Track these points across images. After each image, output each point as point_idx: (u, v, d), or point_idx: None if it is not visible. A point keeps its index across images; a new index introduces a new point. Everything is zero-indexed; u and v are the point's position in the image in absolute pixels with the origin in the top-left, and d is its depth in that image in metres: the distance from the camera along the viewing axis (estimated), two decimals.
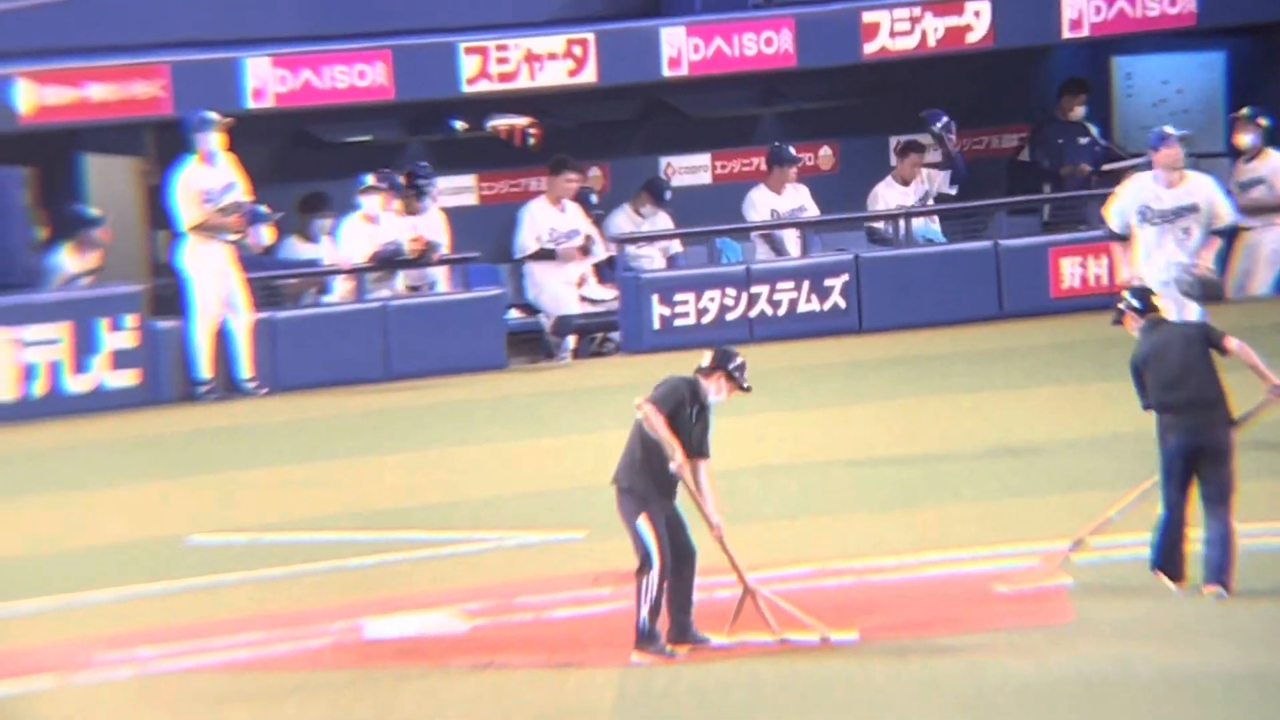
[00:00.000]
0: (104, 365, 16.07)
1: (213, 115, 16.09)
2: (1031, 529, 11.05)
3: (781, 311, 17.36)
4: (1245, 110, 18.00)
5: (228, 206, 16.11)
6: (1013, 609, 9.81)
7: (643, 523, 9.18)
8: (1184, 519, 9.94)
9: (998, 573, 10.29)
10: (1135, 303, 10.14)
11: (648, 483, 9.19)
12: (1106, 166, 18.76)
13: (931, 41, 18.07)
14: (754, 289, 17.39)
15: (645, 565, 9.17)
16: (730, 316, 17.34)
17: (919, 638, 9.45)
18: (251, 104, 16.88)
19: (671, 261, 18.03)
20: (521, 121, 17.98)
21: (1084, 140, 18.76)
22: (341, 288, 17.13)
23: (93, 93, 16.58)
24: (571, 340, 17.34)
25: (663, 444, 9.16)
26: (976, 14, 18.10)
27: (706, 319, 17.34)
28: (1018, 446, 12.99)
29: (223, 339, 16.18)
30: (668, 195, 18.27)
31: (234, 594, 10.87)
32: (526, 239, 17.43)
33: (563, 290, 17.25)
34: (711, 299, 17.34)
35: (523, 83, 17.43)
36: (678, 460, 9.17)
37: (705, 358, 9.35)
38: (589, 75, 17.54)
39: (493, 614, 9.98)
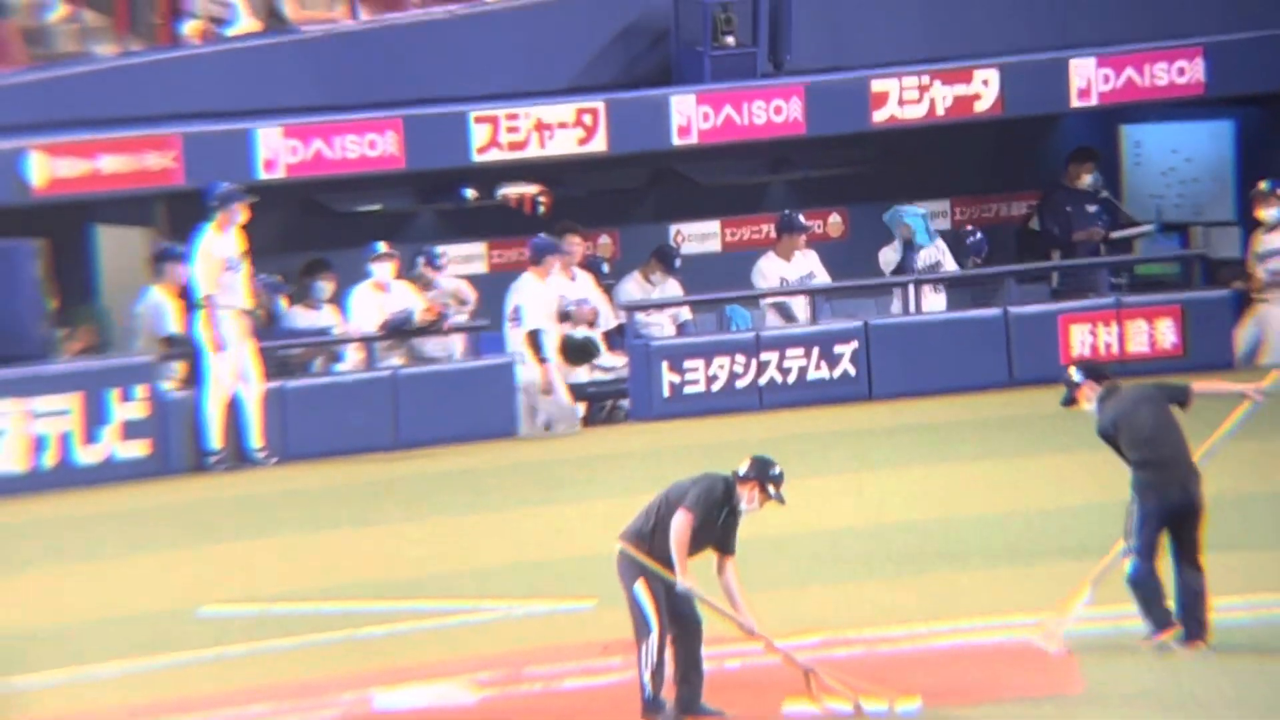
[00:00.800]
0: (114, 436, 16.10)
1: (239, 188, 16.22)
2: (1042, 597, 11.00)
3: (791, 379, 17.37)
4: (1264, 185, 18.04)
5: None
6: (1023, 679, 9.76)
7: (640, 588, 9.14)
8: (1156, 573, 9.95)
9: (1009, 643, 10.25)
10: (1085, 375, 10.07)
11: (651, 554, 9.15)
12: (1116, 234, 18.80)
13: (940, 110, 18.16)
14: (763, 356, 17.41)
15: (643, 632, 9.13)
16: (740, 384, 17.35)
17: (930, 708, 9.40)
18: (263, 174, 16.97)
19: (681, 329, 18.07)
20: (531, 190, 18.06)
21: (1092, 208, 18.80)
22: (352, 356, 17.17)
23: (105, 164, 16.68)
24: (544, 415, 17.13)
25: (674, 558, 9.09)
26: (985, 83, 18.19)
27: (716, 386, 17.35)
28: (1028, 514, 12.97)
29: (233, 409, 16.20)
30: (677, 263, 18.32)
31: (244, 665, 10.83)
32: (533, 314, 17.17)
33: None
34: (721, 366, 17.36)
35: (533, 152, 17.52)
36: (683, 583, 9.10)
37: (744, 465, 9.27)
38: (599, 144, 17.63)
39: (502, 684, 9.94)
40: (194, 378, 16.18)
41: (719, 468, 9.41)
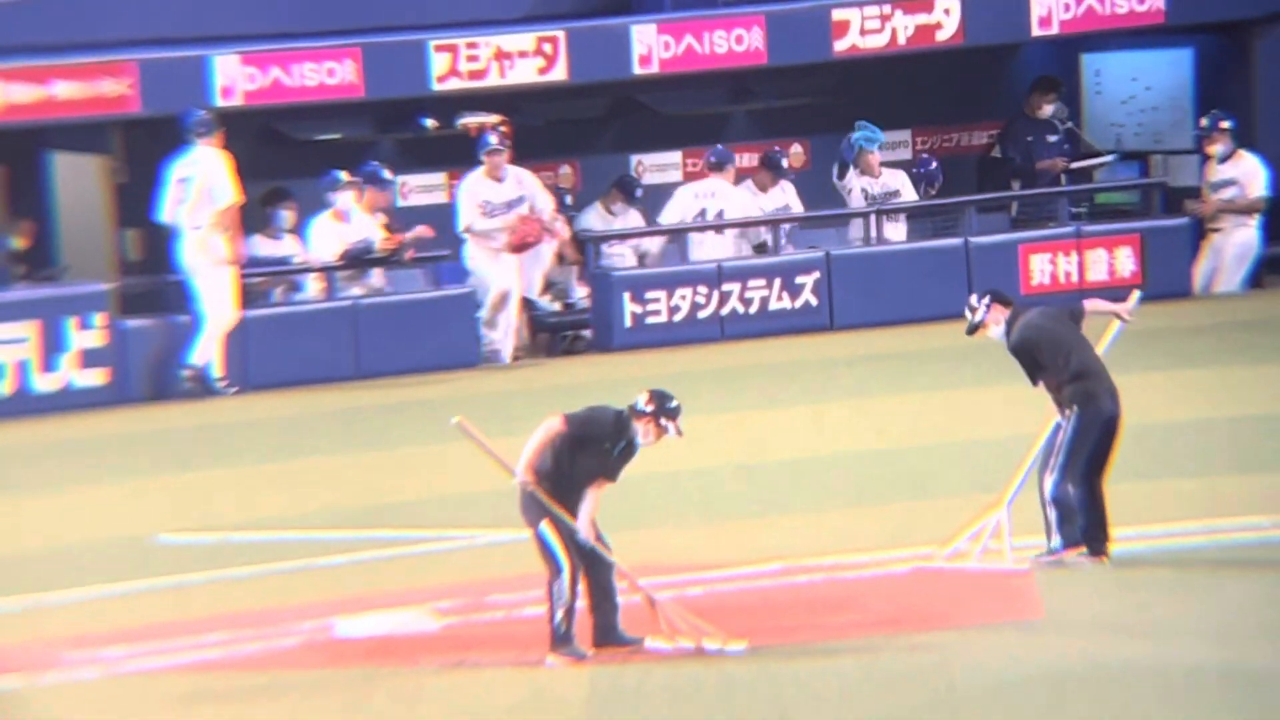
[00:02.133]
0: (72, 364, 15.99)
1: (208, 114, 16.07)
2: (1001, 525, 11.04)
3: (753, 310, 17.36)
4: (1205, 121, 18.10)
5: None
6: (984, 606, 9.82)
7: (546, 528, 9.08)
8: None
9: (969, 570, 10.31)
10: (990, 301, 10.12)
11: (553, 490, 9.09)
12: (1077, 163, 18.82)
13: (901, 39, 18.09)
14: (725, 287, 17.39)
15: (554, 570, 9.07)
16: (702, 315, 17.32)
17: (890, 634, 9.46)
18: (220, 102, 16.82)
19: (642, 259, 18.01)
20: (492, 119, 17.95)
21: (1053, 138, 18.81)
22: (312, 286, 17.07)
23: (60, 91, 16.49)
24: (498, 334, 17.02)
25: (582, 519, 9.01)
26: (946, 12, 18.13)
27: (678, 317, 17.33)
28: (987, 442, 13.02)
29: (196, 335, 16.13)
30: (639, 193, 18.25)
31: (202, 593, 10.82)
32: (466, 214, 16.97)
33: (496, 267, 16.81)
34: (683, 297, 17.33)
35: (493, 81, 17.40)
36: (520, 477, 9.05)
37: (641, 398, 9.17)
38: (559, 73, 17.52)
39: (464, 612, 9.95)
40: (170, 306, 16.06)
41: (673, 397, 9.34)
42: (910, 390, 14.85)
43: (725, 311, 17.40)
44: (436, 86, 17.37)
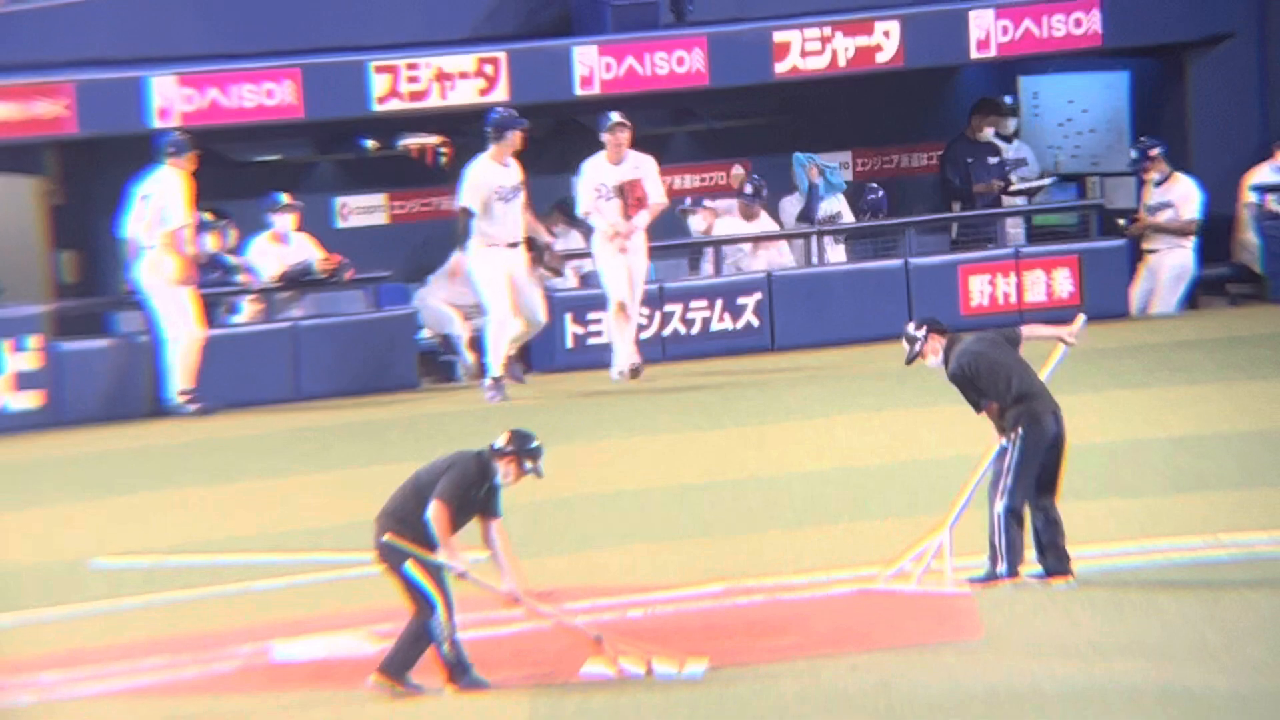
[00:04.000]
0: (6, 387, 15.85)
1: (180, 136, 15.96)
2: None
3: (695, 330, 17.38)
4: (1134, 152, 18.30)
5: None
6: (923, 626, 9.85)
7: (410, 567, 9.02)
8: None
9: (908, 591, 10.34)
10: (928, 330, 10.19)
11: (414, 535, 9.03)
12: (1016, 186, 18.94)
13: (842, 61, 18.19)
14: (667, 307, 17.41)
15: (426, 610, 9.01)
16: (643, 335, 17.34)
17: (831, 655, 9.47)
18: (157, 123, 16.73)
19: (584, 280, 18.01)
20: (433, 140, 17.91)
21: (993, 160, 18.94)
22: (249, 307, 16.99)
23: None
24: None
25: (441, 549, 8.96)
26: (886, 34, 18.24)
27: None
28: (926, 463, 13.07)
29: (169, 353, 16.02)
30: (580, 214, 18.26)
31: (139, 618, 10.73)
32: (584, 199, 16.33)
33: (616, 268, 16.13)
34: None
35: (434, 102, 17.38)
36: (456, 565, 8.99)
37: (501, 439, 9.12)
38: (500, 94, 17.52)
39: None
40: (147, 325, 15.94)
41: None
42: (852, 410, 14.90)
43: (667, 332, 17.42)
44: (377, 107, 17.33)
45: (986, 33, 18.39)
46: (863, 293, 17.68)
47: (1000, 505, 10.08)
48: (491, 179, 15.73)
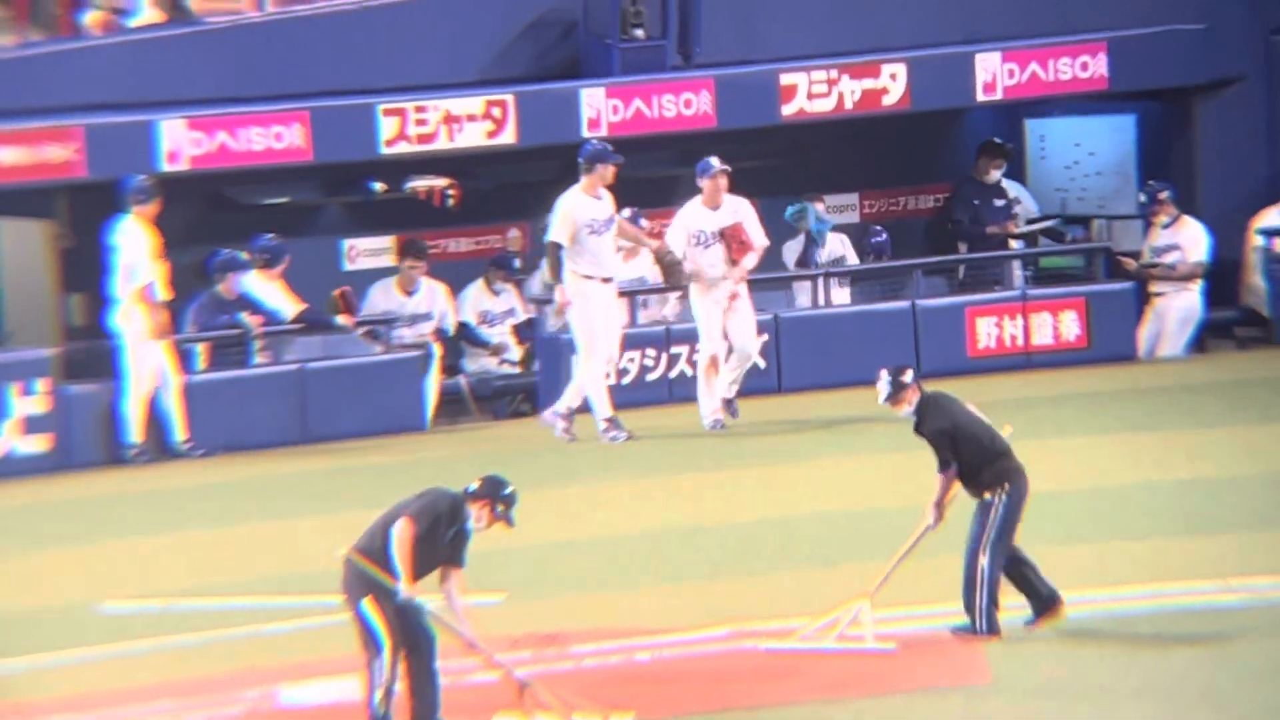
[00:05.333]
0: (14, 431, 15.87)
1: (144, 181, 16.01)
2: (949, 589, 11.06)
3: (673, 375, 17.37)
4: (1143, 196, 18.33)
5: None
6: (930, 670, 9.81)
7: (367, 605, 8.94)
8: None
9: (917, 634, 10.31)
10: (914, 377, 10.14)
11: (379, 570, 8.97)
12: (1026, 227, 18.97)
13: (849, 104, 18.24)
14: (674, 349, 17.41)
15: (373, 650, 8.91)
16: (650, 377, 17.33)
17: (837, 699, 9.42)
18: (166, 166, 16.78)
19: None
20: (441, 183, 17.96)
21: (1000, 202, 18.98)
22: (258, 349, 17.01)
23: (4, 156, 16.44)
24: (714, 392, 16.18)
25: (396, 566, 8.87)
26: (893, 77, 18.29)
27: (626, 380, 17.33)
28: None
29: (150, 404, 16.05)
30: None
31: (147, 662, 10.70)
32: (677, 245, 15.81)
33: (713, 318, 15.58)
34: (631, 359, 17.34)
35: (441, 144, 17.43)
36: (405, 591, 8.87)
37: (475, 483, 9.06)
38: (508, 136, 17.56)
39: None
40: (100, 371, 15.97)
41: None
42: (859, 452, 14.89)
43: (674, 374, 17.41)
44: (385, 150, 17.38)
45: (993, 76, 18.44)
46: (869, 335, 17.68)
47: (985, 561, 10.02)
48: (583, 212, 15.34)
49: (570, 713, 9.04)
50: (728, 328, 15.43)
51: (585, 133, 17.79)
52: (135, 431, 16.01)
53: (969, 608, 10.08)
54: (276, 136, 17.05)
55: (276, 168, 17.19)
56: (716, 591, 11.41)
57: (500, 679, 9.11)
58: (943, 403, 10.16)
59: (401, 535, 8.95)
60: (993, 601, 10.02)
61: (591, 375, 15.43)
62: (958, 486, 10.17)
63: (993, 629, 10.03)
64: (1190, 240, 18.30)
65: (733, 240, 15.32)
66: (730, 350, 15.73)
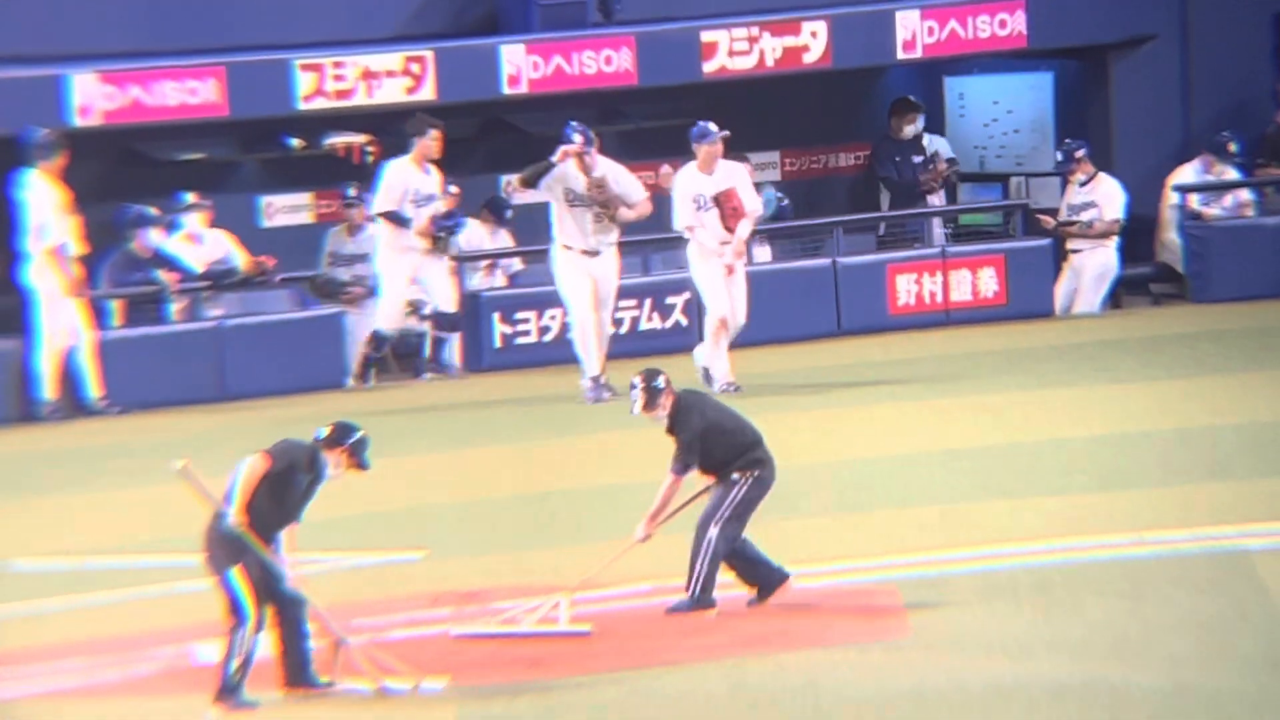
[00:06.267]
0: None
1: (48, 135, 15.77)
2: (866, 544, 11.14)
3: (624, 330, 17.36)
4: (1059, 155, 18.44)
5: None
6: (850, 625, 9.87)
7: (236, 574, 8.92)
8: None
9: (836, 589, 10.36)
10: (660, 385, 10.04)
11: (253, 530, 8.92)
12: (947, 169, 19.05)
13: (770, 61, 18.24)
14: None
15: (239, 619, 8.90)
16: (571, 335, 17.32)
17: (758, 654, 9.48)
18: (78, 121, 16.56)
19: (512, 280, 17.96)
20: (359, 139, 17.81)
21: (919, 158, 19.06)
22: (174, 306, 16.86)
23: None
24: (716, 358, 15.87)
25: (236, 495, 8.85)
26: (814, 34, 18.30)
27: (548, 337, 17.30)
28: (856, 462, 13.11)
29: (64, 361, 15.86)
30: (508, 214, 18.21)
31: (58, 620, 10.61)
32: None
33: (715, 280, 15.33)
34: (553, 317, 17.31)
35: (360, 100, 17.29)
36: (233, 519, 8.87)
37: (324, 429, 9.08)
38: (427, 93, 17.45)
39: (325, 636, 9.82)
40: (23, 328, 15.78)
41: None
42: (778, 410, 14.93)
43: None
44: (302, 106, 17.22)
45: (913, 33, 18.48)
46: (791, 293, 17.72)
47: (715, 531, 9.99)
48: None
49: (382, 676, 9.03)
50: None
51: (505, 89, 17.69)
52: (49, 388, 15.84)
53: (690, 576, 10.05)
54: (192, 91, 16.85)
55: (192, 123, 16.99)
56: (636, 548, 11.43)
57: (318, 630, 9.07)
58: (695, 403, 10.10)
59: (251, 468, 8.93)
60: (712, 574, 10.01)
61: (575, 331, 15.29)
62: (677, 498, 10.08)
63: (706, 600, 10.00)
64: (1106, 197, 18.44)
65: (726, 205, 15.11)
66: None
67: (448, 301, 16.54)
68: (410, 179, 16.20)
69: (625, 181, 15.47)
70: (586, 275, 15.31)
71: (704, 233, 15.17)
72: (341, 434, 9.07)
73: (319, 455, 9.04)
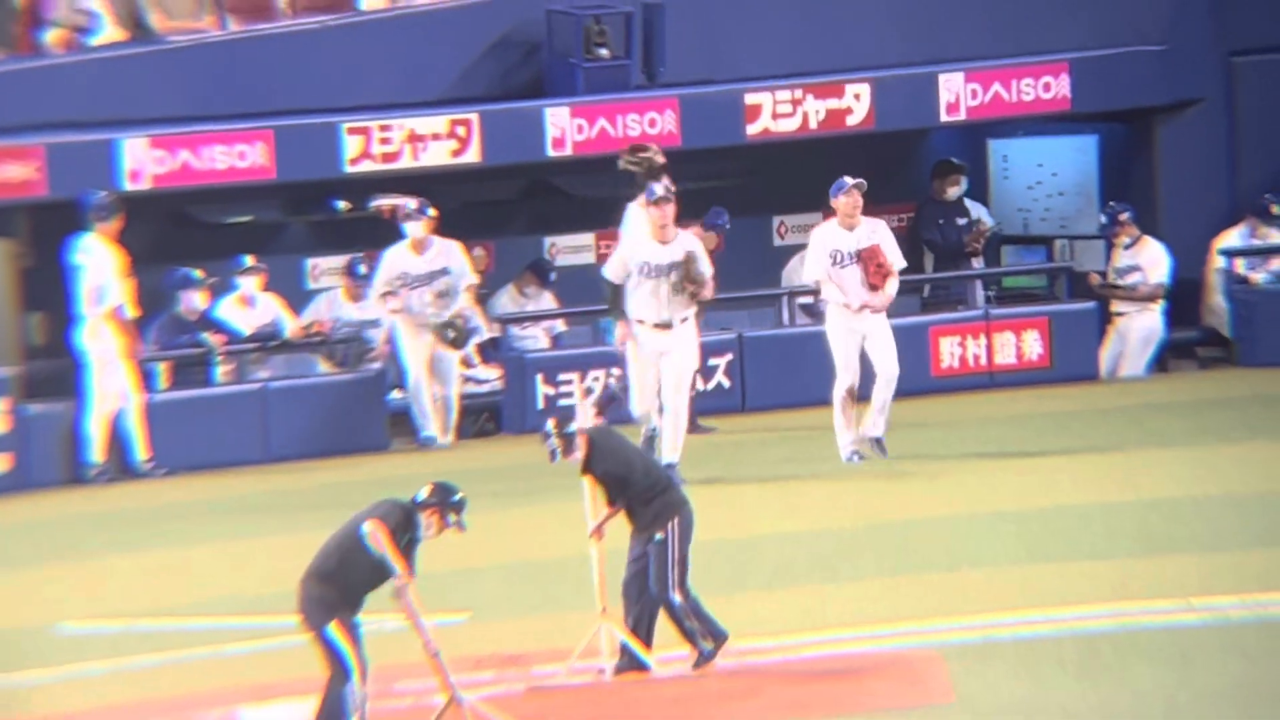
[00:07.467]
0: None
1: (106, 197, 15.93)
2: (910, 608, 11.08)
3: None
4: (1103, 218, 18.40)
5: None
6: (893, 690, 9.81)
7: (334, 630, 8.94)
8: None
9: (878, 654, 10.31)
10: (571, 430, 10.02)
11: (339, 593, 8.98)
12: (990, 226, 19.04)
13: (813, 123, 18.29)
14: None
15: (342, 675, 8.90)
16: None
17: (801, 719, 9.41)
18: (129, 185, 16.72)
19: (555, 341, 18.00)
20: (409, 202, 17.94)
21: (962, 220, 19.06)
22: (222, 369, 16.96)
23: None
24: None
25: (386, 561, 8.89)
26: (857, 97, 18.35)
27: (591, 399, 17.29)
28: (895, 525, 13.06)
29: (112, 424, 15.97)
30: (552, 277, 18.27)
31: (104, 684, 10.64)
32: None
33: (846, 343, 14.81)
34: (596, 378, 17.34)
35: (406, 163, 17.41)
36: (402, 579, 8.89)
37: (423, 490, 9.11)
38: (473, 155, 17.56)
39: (372, 700, 9.81)
40: (64, 390, 15.90)
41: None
42: (820, 473, 14.89)
43: (613, 384, 17.40)
44: (349, 169, 17.35)
45: (956, 96, 18.51)
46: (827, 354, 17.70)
47: (677, 597, 10.00)
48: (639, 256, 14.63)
49: None
50: (870, 354, 14.65)
51: (550, 152, 17.79)
52: (97, 451, 15.94)
53: (690, 638, 10.06)
54: (240, 155, 17.01)
55: (240, 186, 17.14)
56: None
57: (439, 686, 9.05)
58: (609, 442, 10.11)
59: (376, 533, 8.94)
60: (705, 621, 10.03)
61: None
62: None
63: (719, 637, 10.04)
64: (1151, 261, 18.39)
65: (870, 263, 14.63)
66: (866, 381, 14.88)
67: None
68: (402, 263, 16.24)
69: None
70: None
71: (832, 289, 14.69)
72: (438, 495, 9.08)
73: (416, 516, 9.05)
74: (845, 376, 14.75)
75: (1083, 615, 10.74)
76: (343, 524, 9.10)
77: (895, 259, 14.86)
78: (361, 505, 9.25)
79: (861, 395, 14.88)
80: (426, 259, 16.63)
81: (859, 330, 14.69)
